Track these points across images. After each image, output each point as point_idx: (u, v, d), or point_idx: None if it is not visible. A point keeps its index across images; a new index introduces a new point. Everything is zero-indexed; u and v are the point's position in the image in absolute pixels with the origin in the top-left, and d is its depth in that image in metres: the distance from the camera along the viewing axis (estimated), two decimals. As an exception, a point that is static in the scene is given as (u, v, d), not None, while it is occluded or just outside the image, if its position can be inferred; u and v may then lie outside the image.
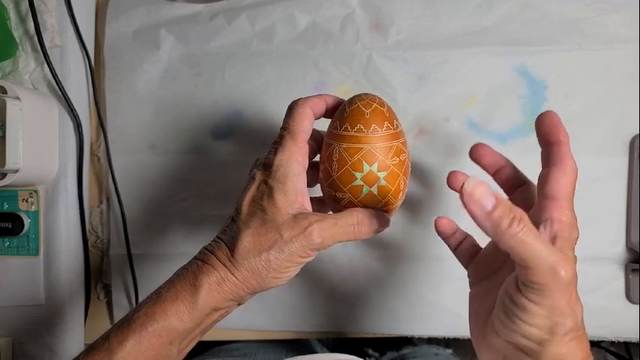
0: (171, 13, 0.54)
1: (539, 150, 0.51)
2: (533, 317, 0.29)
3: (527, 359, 0.31)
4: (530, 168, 0.51)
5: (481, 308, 0.36)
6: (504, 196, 0.39)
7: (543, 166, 0.36)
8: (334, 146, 0.36)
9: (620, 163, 0.51)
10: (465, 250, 0.41)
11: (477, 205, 0.27)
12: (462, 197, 0.27)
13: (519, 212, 0.27)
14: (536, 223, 0.35)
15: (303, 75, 0.53)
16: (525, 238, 0.27)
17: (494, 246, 0.39)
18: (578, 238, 0.33)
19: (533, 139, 0.51)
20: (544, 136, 0.36)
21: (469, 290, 0.39)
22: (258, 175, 0.36)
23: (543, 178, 0.35)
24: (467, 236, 0.41)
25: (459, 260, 0.41)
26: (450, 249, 0.42)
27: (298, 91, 0.53)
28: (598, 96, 0.51)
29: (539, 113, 0.51)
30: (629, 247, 0.51)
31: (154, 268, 0.54)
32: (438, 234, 0.41)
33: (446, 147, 0.52)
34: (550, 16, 0.51)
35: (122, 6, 0.54)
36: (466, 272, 0.41)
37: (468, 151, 0.42)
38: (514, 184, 0.40)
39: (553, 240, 0.32)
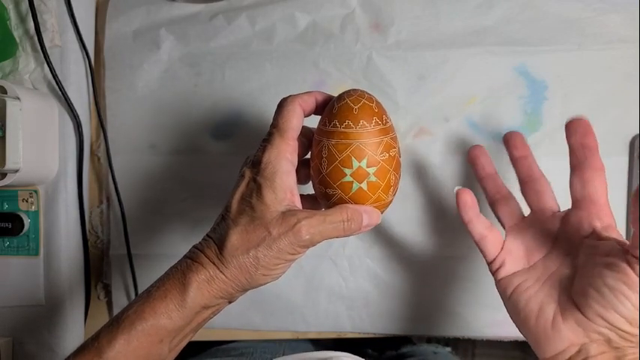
0: (171, 13, 0.54)
1: (539, 149, 0.52)
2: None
3: (615, 344, 0.33)
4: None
5: (547, 297, 0.36)
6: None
7: (574, 170, 0.39)
8: (323, 143, 0.36)
9: (620, 163, 0.51)
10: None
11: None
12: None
13: None
14: (579, 223, 0.38)
15: (303, 75, 0.53)
16: None
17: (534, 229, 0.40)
18: None
19: (533, 139, 0.52)
20: (577, 140, 0.39)
21: (514, 287, 0.38)
22: (248, 173, 0.36)
23: (580, 182, 0.38)
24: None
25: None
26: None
27: (298, 91, 0.53)
28: (598, 96, 0.51)
29: (539, 113, 0.51)
30: (629, 247, 0.51)
31: (154, 268, 0.54)
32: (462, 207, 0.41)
33: (446, 147, 0.52)
34: (550, 16, 0.51)
35: (122, 6, 0.54)
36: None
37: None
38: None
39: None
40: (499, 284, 0.39)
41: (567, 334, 0.34)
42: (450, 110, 0.52)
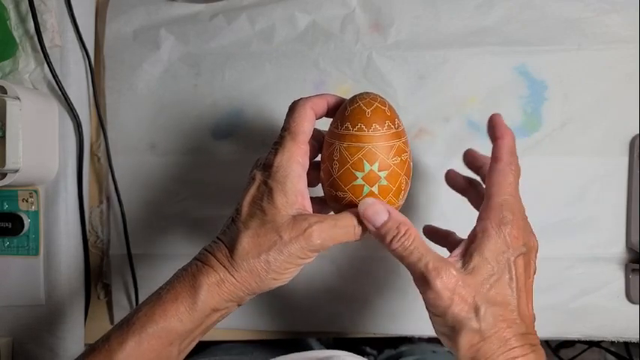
0: (171, 13, 0.54)
1: (539, 149, 0.52)
2: (436, 322, 0.35)
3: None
4: (531, 168, 0.51)
5: None
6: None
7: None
8: (335, 145, 0.36)
9: (620, 163, 0.51)
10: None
11: (369, 223, 0.35)
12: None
13: (404, 228, 0.34)
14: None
15: (303, 75, 0.53)
16: (404, 252, 0.34)
17: None
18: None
19: (534, 139, 0.52)
20: (490, 134, 0.39)
21: None
22: (258, 176, 0.36)
23: (486, 175, 0.38)
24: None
25: None
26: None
27: (298, 91, 0.53)
28: (598, 96, 0.51)
29: (539, 113, 0.52)
30: (629, 247, 0.51)
31: (154, 268, 0.54)
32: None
33: (446, 147, 0.52)
34: (550, 16, 0.51)
35: (122, 6, 0.54)
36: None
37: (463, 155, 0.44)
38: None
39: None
40: None
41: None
42: (450, 110, 0.52)
